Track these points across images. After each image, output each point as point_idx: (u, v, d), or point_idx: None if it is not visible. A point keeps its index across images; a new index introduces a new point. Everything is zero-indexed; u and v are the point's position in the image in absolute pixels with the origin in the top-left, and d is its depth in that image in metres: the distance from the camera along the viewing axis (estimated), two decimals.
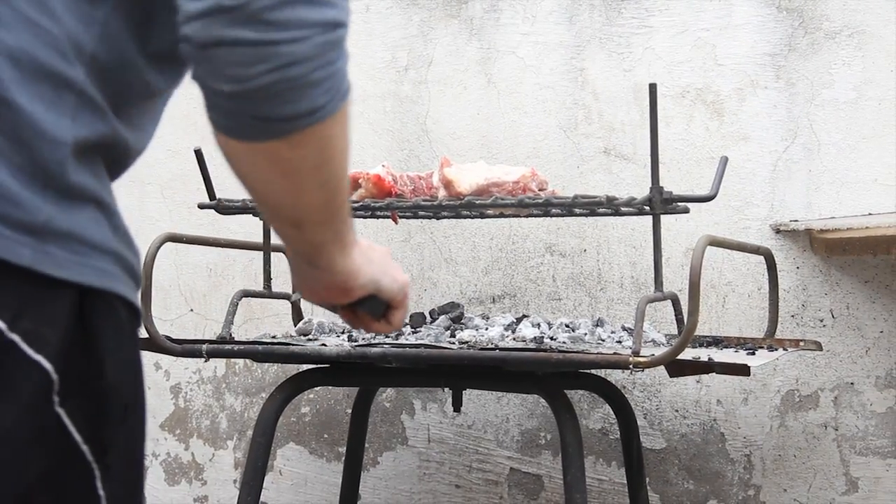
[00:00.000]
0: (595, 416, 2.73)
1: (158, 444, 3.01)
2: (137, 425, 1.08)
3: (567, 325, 2.28)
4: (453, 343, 2.15)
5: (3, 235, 0.98)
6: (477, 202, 2.19)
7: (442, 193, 2.25)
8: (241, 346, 2.23)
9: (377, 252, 1.38)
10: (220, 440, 2.97)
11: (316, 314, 2.82)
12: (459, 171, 2.23)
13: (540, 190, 2.23)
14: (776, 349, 2.26)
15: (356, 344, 2.17)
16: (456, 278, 2.79)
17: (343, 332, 2.35)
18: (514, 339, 2.19)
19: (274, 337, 2.39)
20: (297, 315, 2.57)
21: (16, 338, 0.98)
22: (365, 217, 2.42)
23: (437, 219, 2.44)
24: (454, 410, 2.37)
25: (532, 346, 2.12)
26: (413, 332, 2.26)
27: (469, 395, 2.75)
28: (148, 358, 2.95)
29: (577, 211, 2.26)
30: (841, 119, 2.62)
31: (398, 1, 2.87)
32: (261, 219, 2.37)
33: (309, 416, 2.91)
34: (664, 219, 2.22)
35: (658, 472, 2.70)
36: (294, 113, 1.02)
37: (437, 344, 2.12)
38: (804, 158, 2.64)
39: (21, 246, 0.99)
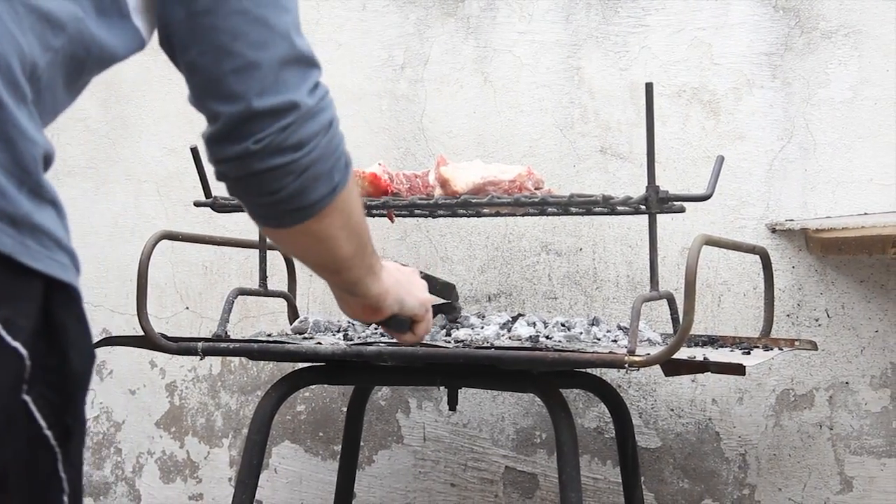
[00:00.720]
0: (590, 414, 2.73)
1: (153, 442, 3.00)
2: (84, 412, 1.14)
3: (563, 324, 2.28)
4: (449, 342, 2.15)
5: None
6: (473, 201, 2.19)
7: (438, 192, 2.25)
8: (237, 345, 2.23)
9: (403, 273, 1.70)
10: (215, 438, 2.97)
11: (311, 312, 2.82)
12: (456, 170, 2.23)
13: (536, 189, 2.23)
14: (771, 348, 2.26)
15: (351, 342, 2.17)
16: (452, 277, 2.79)
17: (339, 331, 2.35)
18: (509, 337, 2.19)
19: (269, 335, 2.39)
20: (293, 313, 2.57)
21: None
22: None
23: (434, 217, 2.43)
24: (449, 409, 2.37)
25: (528, 344, 2.12)
26: None
27: (464, 394, 2.75)
28: (143, 356, 2.95)
29: (573, 210, 2.26)
30: (837, 119, 2.63)
31: None
32: None
33: (304, 414, 2.91)
34: (660, 218, 2.22)
35: (653, 471, 2.70)
36: (319, 198, 1.25)
37: (433, 342, 2.12)
38: (800, 158, 2.64)
39: (4, 235, 1.04)
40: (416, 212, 2.34)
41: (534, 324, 2.26)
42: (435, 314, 2.29)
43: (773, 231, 2.64)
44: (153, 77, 2.94)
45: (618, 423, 2.43)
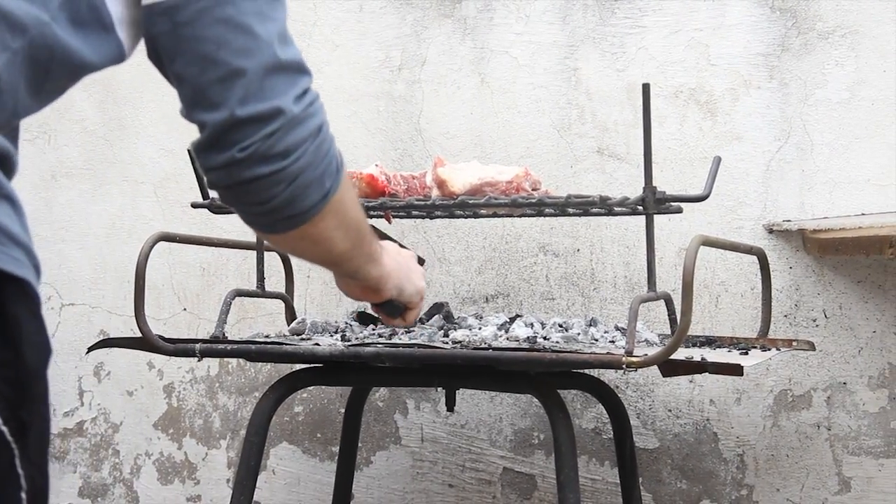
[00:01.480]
0: (588, 415, 2.74)
1: (151, 443, 3.00)
2: (47, 407, 1.12)
3: (560, 325, 2.28)
4: (446, 343, 2.15)
5: None
6: (470, 202, 2.19)
7: (435, 193, 2.25)
8: (235, 346, 2.23)
9: (402, 256, 1.72)
10: (213, 439, 2.97)
11: (309, 314, 2.82)
12: (453, 171, 2.23)
13: (533, 189, 2.23)
14: (769, 349, 2.26)
15: (349, 343, 2.17)
16: (449, 278, 2.80)
17: (336, 332, 2.35)
18: (507, 338, 2.19)
19: (267, 336, 2.39)
20: (291, 314, 2.57)
21: None
22: None
23: (431, 218, 2.43)
24: (447, 410, 2.37)
25: (525, 345, 2.11)
26: (406, 332, 2.26)
27: (462, 395, 2.75)
28: (141, 357, 2.95)
29: (571, 211, 2.26)
30: (834, 119, 2.63)
31: (392, 0, 2.87)
32: None
33: (302, 415, 2.91)
34: (657, 218, 2.22)
35: (651, 471, 2.70)
36: (311, 204, 1.26)
37: (431, 343, 2.12)
38: (797, 158, 2.64)
39: None
40: (414, 213, 2.34)
41: (531, 325, 2.26)
42: (431, 315, 2.30)
43: (771, 232, 2.64)
44: (150, 78, 2.92)
45: (616, 423, 2.43)
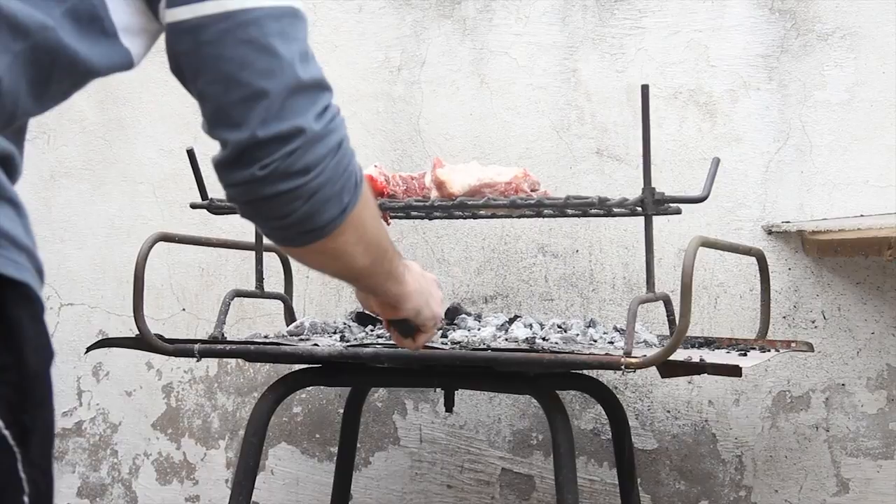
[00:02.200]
0: (587, 416, 2.74)
1: (150, 443, 3.00)
2: (50, 411, 1.13)
3: (559, 326, 2.28)
4: (445, 343, 2.15)
5: None
6: (469, 203, 2.20)
7: (434, 194, 2.25)
8: (233, 346, 2.23)
9: (426, 280, 1.72)
10: (211, 440, 2.97)
11: (308, 314, 2.82)
12: (452, 172, 2.23)
13: (532, 191, 2.23)
14: (768, 350, 2.26)
15: (348, 344, 2.17)
16: (448, 278, 2.80)
17: (335, 333, 2.35)
18: (506, 339, 2.19)
19: (266, 337, 2.39)
20: (290, 315, 2.57)
21: None
22: None
23: (430, 219, 2.44)
24: (446, 411, 2.37)
25: (524, 346, 2.12)
26: None
27: (461, 396, 2.75)
28: (140, 357, 2.95)
29: (570, 212, 2.26)
30: (833, 120, 2.63)
31: (391, 1, 2.87)
32: None
33: (301, 415, 2.91)
34: (656, 220, 2.22)
35: (649, 472, 2.70)
36: (329, 220, 1.26)
37: (429, 344, 2.12)
38: (796, 160, 2.64)
39: None
40: (413, 213, 2.34)
41: (530, 325, 2.27)
42: (452, 319, 2.30)
43: (770, 233, 2.64)
44: (150, 79, 2.94)
45: (614, 424, 2.43)
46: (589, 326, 2.29)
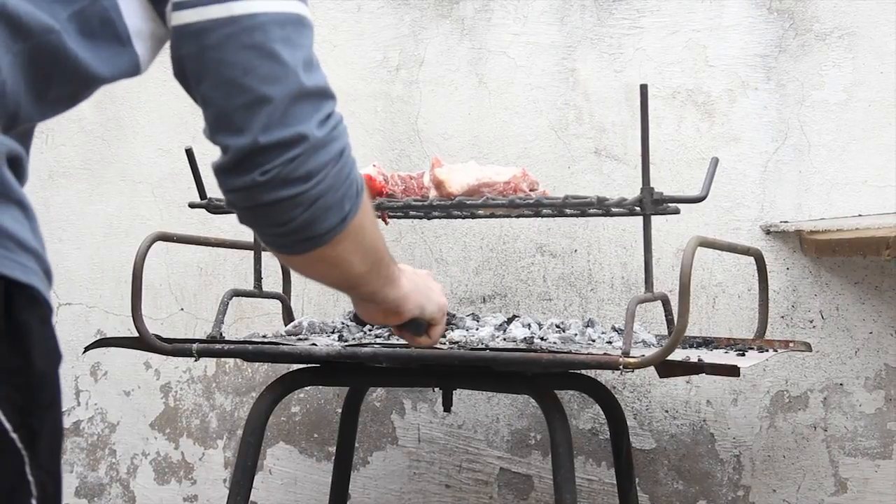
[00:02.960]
0: (585, 416, 2.74)
1: (148, 443, 3.00)
2: (59, 413, 1.13)
3: (557, 326, 2.28)
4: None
5: None
6: (468, 202, 2.20)
7: (433, 193, 2.25)
8: (232, 346, 2.23)
9: (420, 277, 1.71)
10: (210, 439, 2.97)
11: (306, 314, 2.82)
12: (450, 172, 2.23)
13: (531, 190, 2.23)
14: (766, 350, 2.26)
15: (346, 344, 2.17)
16: (447, 278, 2.80)
17: (333, 332, 2.35)
18: (504, 339, 2.19)
19: (264, 336, 2.39)
20: (288, 314, 2.56)
21: None
22: None
23: (428, 219, 2.43)
24: (444, 410, 2.37)
25: (522, 346, 2.12)
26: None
27: (459, 395, 2.75)
28: (138, 357, 2.95)
29: (568, 211, 2.26)
30: (831, 120, 2.63)
31: (389, 0, 2.87)
32: None
33: (299, 415, 2.91)
34: (655, 219, 2.22)
35: (647, 472, 2.70)
36: (329, 227, 1.25)
37: None
38: (794, 160, 2.64)
39: None
40: (411, 213, 2.34)
41: (528, 325, 2.26)
42: (448, 321, 2.30)
43: (768, 233, 2.64)
44: (148, 78, 2.93)
45: (612, 424, 2.43)
46: (587, 326, 2.29)
